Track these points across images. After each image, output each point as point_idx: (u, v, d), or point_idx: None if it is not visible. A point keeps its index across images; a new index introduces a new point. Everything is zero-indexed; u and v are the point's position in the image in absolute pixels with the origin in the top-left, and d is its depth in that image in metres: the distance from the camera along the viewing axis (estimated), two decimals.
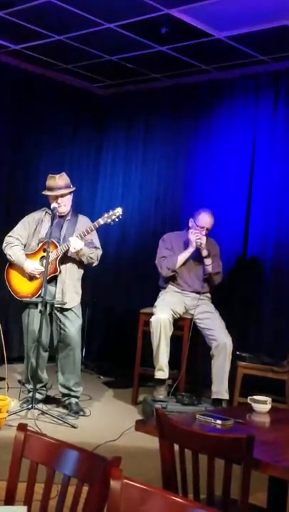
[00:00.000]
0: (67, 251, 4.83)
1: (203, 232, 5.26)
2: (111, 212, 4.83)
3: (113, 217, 4.83)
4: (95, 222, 4.83)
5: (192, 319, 5.19)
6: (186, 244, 5.33)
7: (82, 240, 4.79)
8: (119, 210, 4.83)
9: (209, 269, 5.31)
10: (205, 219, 5.28)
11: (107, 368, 6.60)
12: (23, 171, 6.73)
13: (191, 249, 5.28)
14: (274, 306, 5.83)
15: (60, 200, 4.86)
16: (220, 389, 5.05)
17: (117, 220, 4.85)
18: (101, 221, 4.81)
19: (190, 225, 5.35)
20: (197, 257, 5.33)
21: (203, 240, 5.25)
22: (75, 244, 4.74)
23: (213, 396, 5.07)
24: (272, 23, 5.08)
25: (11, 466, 2.06)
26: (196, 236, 5.23)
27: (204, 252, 5.28)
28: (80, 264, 4.96)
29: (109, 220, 4.82)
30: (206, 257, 5.30)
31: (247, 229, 6.07)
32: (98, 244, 5.02)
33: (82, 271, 5.02)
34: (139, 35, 5.59)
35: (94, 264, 4.98)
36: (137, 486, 1.68)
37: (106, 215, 4.83)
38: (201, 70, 6.40)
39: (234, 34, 5.38)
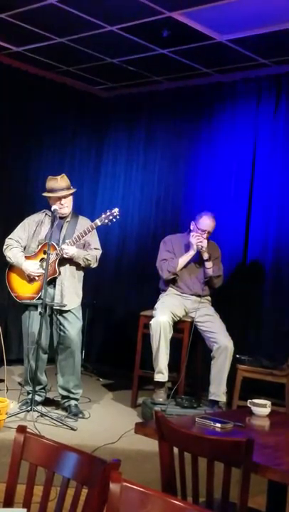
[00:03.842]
0: None
1: (205, 235, 5.26)
2: (108, 213, 4.84)
3: (110, 217, 4.84)
4: (92, 224, 4.84)
5: (192, 322, 5.19)
6: (187, 247, 5.33)
7: (75, 244, 4.81)
8: (116, 211, 4.85)
9: (210, 272, 5.31)
10: (206, 222, 5.28)
11: (106, 371, 6.60)
12: (24, 172, 6.74)
13: (192, 252, 5.28)
14: (274, 309, 5.83)
15: (63, 201, 4.88)
16: (217, 391, 5.05)
17: (114, 220, 4.86)
18: (98, 222, 4.82)
19: (191, 227, 5.34)
20: (198, 259, 5.33)
21: (205, 243, 5.25)
22: (67, 250, 4.77)
23: (211, 397, 5.08)
24: (273, 26, 5.09)
25: (10, 468, 2.06)
26: (197, 239, 5.23)
27: (205, 255, 5.28)
28: (79, 265, 4.96)
29: (106, 221, 4.83)
30: (206, 260, 5.30)
31: (247, 232, 6.07)
32: (98, 245, 5.03)
33: (82, 272, 5.02)
34: (140, 37, 5.59)
35: (92, 266, 4.98)
36: (136, 489, 1.68)
37: (103, 215, 4.85)
38: (203, 73, 6.41)
39: (235, 37, 5.39)
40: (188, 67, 6.28)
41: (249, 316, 5.98)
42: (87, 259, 4.90)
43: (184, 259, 5.30)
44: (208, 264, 5.31)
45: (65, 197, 4.89)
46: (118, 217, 4.87)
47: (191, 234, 5.29)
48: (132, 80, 6.91)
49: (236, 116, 6.27)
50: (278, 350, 5.55)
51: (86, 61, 6.43)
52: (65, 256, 4.79)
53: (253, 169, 6.08)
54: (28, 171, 6.77)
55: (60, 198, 4.87)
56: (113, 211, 4.85)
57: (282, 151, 5.91)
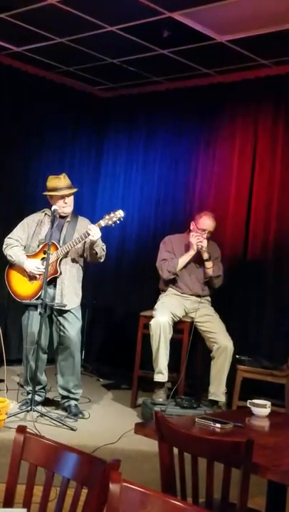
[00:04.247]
0: (67, 252, 4.83)
1: (205, 235, 5.26)
2: (112, 214, 4.80)
3: (114, 219, 4.80)
4: (96, 224, 4.80)
5: (192, 322, 5.19)
6: (187, 247, 5.33)
7: (101, 226, 4.74)
8: (120, 212, 4.79)
9: (210, 272, 5.32)
10: (206, 222, 5.29)
11: (106, 371, 6.60)
12: (24, 172, 6.74)
13: (192, 252, 5.28)
14: (274, 309, 5.83)
15: (67, 200, 4.88)
16: (217, 391, 5.06)
17: (118, 222, 4.82)
18: (102, 223, 4.78)
19: (191, 227, 5.35)
20: (198, 259, 5.33)
21: (204, 242, 5.25)
22: (96, 232, 4.69)
23: (210, 397, 5.09)
24: (273, 27, 5.09)
25: (10, 468, 2.06)
26: (197, 239, 5.23)
27: (205, 255, 5.28)
28: (80, 265, 4.96)
29: (110, 222, 4.80)
30: (206, 260, 5.30)
31: (247, 232, 6.07)
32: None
33: (82, 272, 5.02)
34: (141, 38, 5.59)
35: (101, 260, 4.96)
36: (136, 489, 1.68)
37: (107, 216, 4.80)
38: (203, 73, 6.41)
39: (235, 38, 5.39)
40: (188, 68, 6.27)
41: (249, 316, 5.98)
42: (104, 250, 4.89)
43: (184, 259, 5.30)
44: (208, 264, 5.31)
45: (68, 196, 4.89)
46: (122, 219, 4.82)
47: (191, 234, 5.29)
48: (132, 80, 6.91)
49: (236, 116, 6.27)
50: (278, 350, 5.55)
51: (86, 61, 6.43)
52: (91, 238, 4.70)
53: (252, 170, 6.08)
54: (28, 171, 6.77)
55: (63, 197, 4.86)
56: (117, 213, 4.79)
57: (281, 150, 5.91)
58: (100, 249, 4.86)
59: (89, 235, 4.70)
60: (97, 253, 4.84)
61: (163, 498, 1.68)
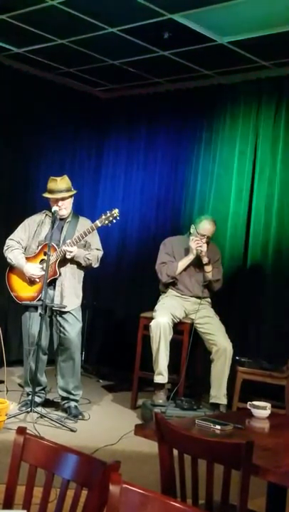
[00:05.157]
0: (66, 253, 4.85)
1: (204, 240, 5.25)
2: (108, 214, 4.84)
3: (110, 218, 4.84)
4: (92, 225, 4.84)
5: (192, 324, 5.19)
6: (187, 250, 5.33)
7: (76, 245, 4.80)
8: (116, 211, 4.85)
9: (209, 276, 5.32)
10: (206, 227, 5.28)
11: (106, 372, 6.60)
12: (24, 173, 6.74)
13: (191, 257, 5.28)
14: (274, 311, 5.83)
15: (60, 203, 4.87)
16: (218, 393, 5.05)
17: (114, 221, 4.86)
18: (98, 223, 4.82)
19: (191, 230, 5.35)
20: (198, 262, 5.33)
21: (204, 247, 5.24)
22: (70, 249, 4.77)
23: (212, 400, 5.08)
24: (274, 28, 5.09)
25: (10, 470, 2.06)
26: (197, 243, 5.22)
27: (205, 260, 5.28)
28: (80, 266, 4.96)
29: (106, 222, 4.84)
30: (206, 264, 5.30)
31: (248, 233, 6.07)
32: (99, 246, 5.03)
33: (82, 273, 5.02)
34: (141, 39, 5.60)
35: (94, 266, 4.98)
36: (135, 491, 1.68)
37: (103, 216, 4.85)
38: (204, 74, 6.41)
39: (236, 39, 5.39)
40: (189, 69, 6.28)
41: (249, 317, 5.98)
42: (88, 259, 4.90)
43: (183, 263, 5.30)
44: (208, 268, 5.31)
45: (63, 199, 4.89)
46: (118, 218, 4.87)
47: (191, 238, 5.29)
48: (133, 82, 6.91)
49: (237, 118, 6.27)
50: (278, 351, 5.55)
51: (87, 62, 6.43)
52: (68, 257, 4.79)
53: (253, 171, 6.08)
54: (28, 172, 6.77)
55: (58, 200, 4.87)
56: (113, 212, 4.85)
57: (282, 152, 5.91)
58: (83, 259, 4.88)
59: (65, 254, 4.78)
60: (80, 263, 4.87)
61: (163, 499, 1.68)
